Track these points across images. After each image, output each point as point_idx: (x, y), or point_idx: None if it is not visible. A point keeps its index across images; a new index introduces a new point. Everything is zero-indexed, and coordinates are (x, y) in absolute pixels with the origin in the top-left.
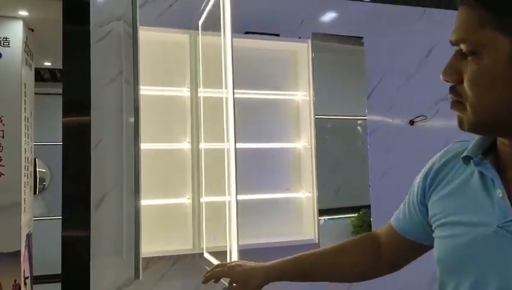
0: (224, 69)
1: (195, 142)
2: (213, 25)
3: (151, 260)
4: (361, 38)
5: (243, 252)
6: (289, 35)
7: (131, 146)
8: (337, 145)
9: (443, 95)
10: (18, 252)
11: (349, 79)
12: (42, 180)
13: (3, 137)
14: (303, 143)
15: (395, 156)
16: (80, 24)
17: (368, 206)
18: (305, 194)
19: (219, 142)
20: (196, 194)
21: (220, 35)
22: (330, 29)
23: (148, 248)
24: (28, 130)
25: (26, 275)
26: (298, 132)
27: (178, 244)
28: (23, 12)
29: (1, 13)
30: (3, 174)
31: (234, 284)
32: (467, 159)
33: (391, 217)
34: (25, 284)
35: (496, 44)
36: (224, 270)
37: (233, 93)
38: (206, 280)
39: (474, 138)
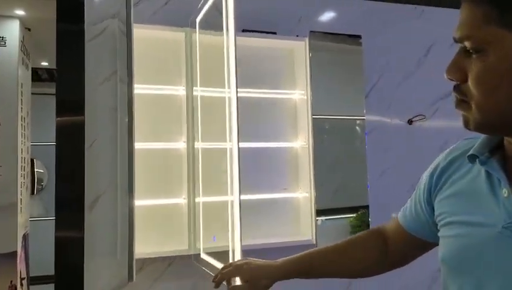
0: (227, 68)
1: (191, 141)
2: (212, 22)
3: (146, 261)
4: (359, 36)
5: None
6: (286, 33)
7: (126, 146)
8: (335, 144)
9: (442, 94)
10: (14, 253)
11: (347, 78)
12: (40, 180)
13: None
14: (300, 142)
15: (393, 156)
16: (74, 22)
17: (366, 207)
18: (302, 194)
19: (217, 141)
20: (192, 194)
21: (219, 34)
22: (328, 28)
23: (143, 249)
24: (24, 131)
25: (22, 276)
26: (295, 131)
27: (173, 245)
28: (20, 12)
29: None
30: (0, 175)
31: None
32: (472, 158)
33: (390, 217)
34: (21, 285)
35: (501, 41)
36: (232, 271)
37: (237, 92)
38: (217, 284)
39: (481, 136)
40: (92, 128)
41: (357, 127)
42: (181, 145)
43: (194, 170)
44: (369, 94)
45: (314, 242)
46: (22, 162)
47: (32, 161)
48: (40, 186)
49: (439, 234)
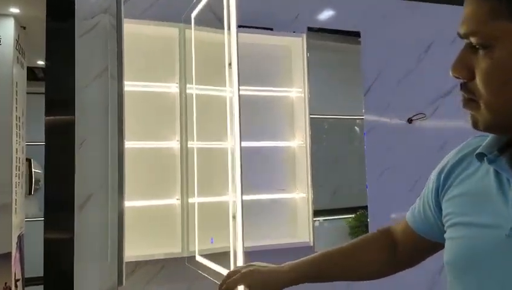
0: (229, 67)
1: (185, 140)
2: (209, 18)
3: (138, 264)
4: (358, 33)
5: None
6: (283, 29)
7: (117, 145)
8: (333, 144)
9: (443, 92)
10: (9, 254)
11: (345, 75)
12: (37, 180)
13: None
14: (297, 142)
15: (393, 156)
16: (64, 17)
17: (365, 207)
18: (299, 195)
19: (212, 140)
20: (185, 195)
21: (214, 30)
22: (326, 24)
23: (135, 252)
24: (19, 130)
25: (17, 278)
26: (292, 130)
27: (166, 248)
28: (15, 10)
29: None
30: None
31: None
32: (480, 156)
33: (389, 217)
34: (16, 286)
35: (510, 36)
36: (240, 278)
37: (239, 90)
38: None
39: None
40: (82, 127)
41: (356, 127)
42: (174, 144)
43: (187, 169)
44: (368, 92)
45: (312, 244)
46: (16, 162)
47: (29, 161)
48: (37, 186)
49: (445, 235)
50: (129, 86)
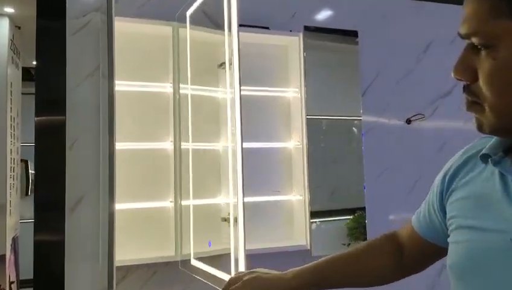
0: (229, 67)
1: (178, 141)
2: (206, 17)
3: (130, 268)
4: (355, 32)
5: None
6: (280, 28)
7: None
8: (330, 145)
9: (442, 92)
10: (3, 256)
11: (343, 75)
12: (34, 181)
13: None
14: (294, 143)
15: (391, 157)
16: (55, 15)
17: (363, 208)
18: (296, 197)
19: (205, 142)
20: (179, 197)
21: (211, 30)
22: (323, 23)
23: (127, 255)
24: (14, 131)
25: (11, 280)
26: (289, 131)
27: (159, 251)
28: (9, 9)
29: None
30: None
31: None
32: (485, 158)
33: (387, 219)
34: (11, 289)
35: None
36: (241, 287)
37: (240, 90)
38: None
39: None
40: (73, 127)
41: (354, 128)
42: (168, 145)
43: (181, 171)
44: (366, 92)
45: (309, 247)
46: (11, 163)
47: (26, 162)
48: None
49: (449, 239)
50: (122, 85)
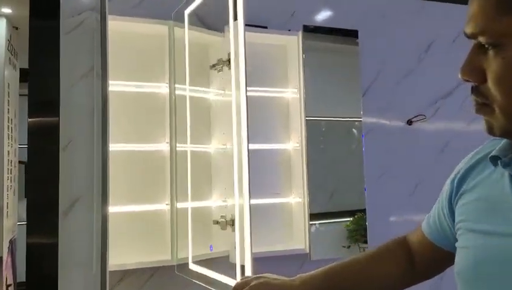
0: (235, 68)
1: (174, 142)
2: (205, 16)
3: (125, 273)
4: (356, 32)
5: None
6: (278, 28)
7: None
8: (330, 146)
9: (443, 92)
10: (0, 259)
11: (343, 76)
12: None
13: None
14: (293, 144)
15: (392, 158)
16: (49, 14)
17: (363, 210)
18: (295, 199)
19: (201, 143)
20: (175, 200)
21: (206, 29)
22: (323, 22)
23: (122, 259)
24: (11, 132)
25: (8, 283)
26: (288, 132)
27: (155, 255)
28: (7, 10)
29: None
30: None
31: None
32: (494, 160)
33: (388, 221)
34: None
35: None
36: None
37: (246, 91)
38: None
39: None
40: (67, 128)
41: (354, 129)
42: (164, 146)
43: (177, 173)
44: (366, 93)
45: (308, 251)
46: (8, 164)
47: (25, 163)
48: None
49: (456, 244)
50: (117, 85)
